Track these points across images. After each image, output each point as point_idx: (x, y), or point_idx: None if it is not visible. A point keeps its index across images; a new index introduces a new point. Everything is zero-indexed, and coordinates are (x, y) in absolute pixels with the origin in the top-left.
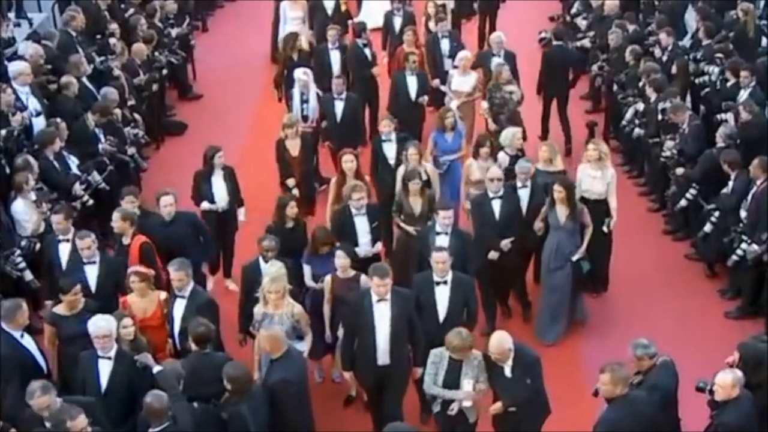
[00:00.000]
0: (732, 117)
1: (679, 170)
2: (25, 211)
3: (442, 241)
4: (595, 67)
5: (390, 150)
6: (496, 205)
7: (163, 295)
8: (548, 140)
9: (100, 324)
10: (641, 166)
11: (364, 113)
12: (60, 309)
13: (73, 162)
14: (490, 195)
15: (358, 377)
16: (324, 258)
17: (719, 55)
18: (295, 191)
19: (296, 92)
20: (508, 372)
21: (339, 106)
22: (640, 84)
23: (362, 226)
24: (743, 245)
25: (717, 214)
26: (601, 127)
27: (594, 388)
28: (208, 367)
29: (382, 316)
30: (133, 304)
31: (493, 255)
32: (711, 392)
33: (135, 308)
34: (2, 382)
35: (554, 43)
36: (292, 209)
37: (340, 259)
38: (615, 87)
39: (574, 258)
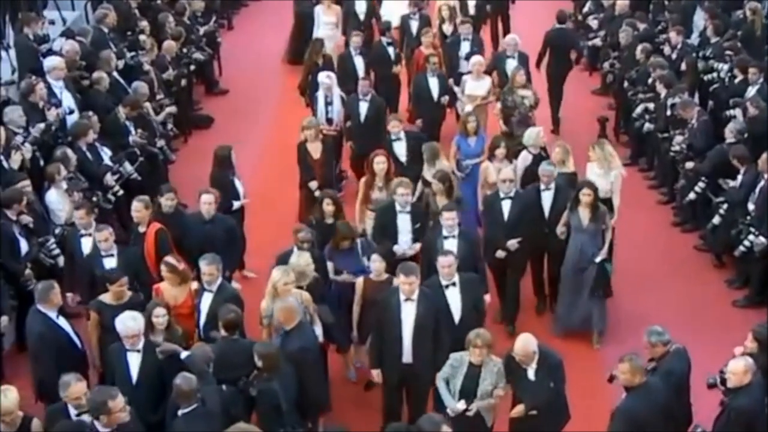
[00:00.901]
0: (740, 113)
1: (689, 164)
2: (58, 201)
3: (450, 244)
4: (606, 65)
5: (400, 148)
6: (506, 206)
7: (194, 284)
8: (560, 140)
9: (128, 324)
10: (651, 160)
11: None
12: (106, 297)
13: (106, 153)
14: (501, 195)
15: (384, 375)
16: (345, 253)
17: (729, 52)
18: (318, 194)
19: (320, 95)
20: (531, 375)
21: (363, 107)
22: (650, 80)
23: (404, 224)
24: (750, 237)
25: (725, 206)
26: (612, 122)
27: (609, 374)
28: (237, 352)
29: (408, 314)
30: (165, 291)
31: (500, 254)
32: (723, 382)
33: (167, 295)
34: (40, 359)
35: (556, 25)
36: (328, 206)
37: (376, 263)
38: (626, 84)
39: (597, 259)
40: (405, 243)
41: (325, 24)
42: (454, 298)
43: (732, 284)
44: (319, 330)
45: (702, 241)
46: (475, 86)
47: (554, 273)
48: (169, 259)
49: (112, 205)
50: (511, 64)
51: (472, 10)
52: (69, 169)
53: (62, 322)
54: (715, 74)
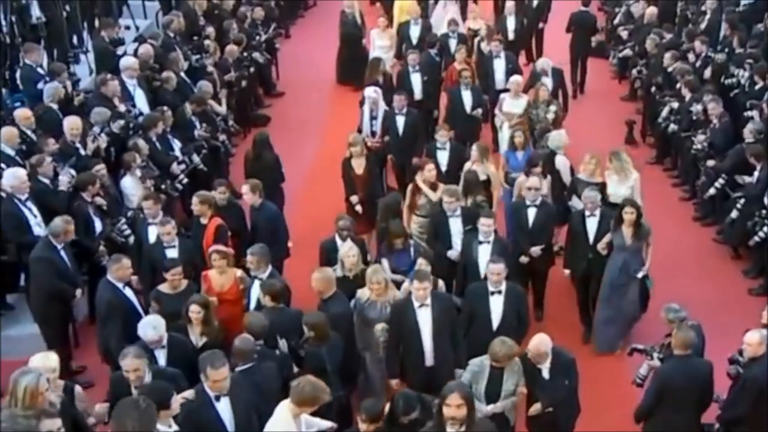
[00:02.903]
0: (757, 114)
1: (710, 162)
2: (132, 186)
3: (485, 250)
4: (634, 71)
5: (443, 157)
6: (531, 213)
7: (239, 272)
8: (593, 154)
9: (149, 333)
10: (675, 160)
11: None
12: (164, 287)
13: (177, 145)
14: (527, 203)
15: (408, 382)
16: (398, 253)
17: (749, 60)
18: (358, 208)
19: (366, 109)
20: (546, 374)
21: (400, 121)
22: (677, 86)
23: (456, 227)
24: (765, 229)
25: (742, 201)
26: (640, 125)
27: (630, 348)
28: (283, 320)
29: (425, 319)
30: (213, 279)
31: (523, 259)
32: (741, 364)
33: (214, 283)
34: (107, 324)
35: (581, 8)
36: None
37: (422, 266)
38: (653, 88)
39: (639, 275)
40: (458, 245)
41: (380, 47)
42: (497, 305)
43: (748, 274)
44: None
45: (719, 235)
46: (513, 104)
47: (594, 295)
48: (219, 246)
49: (178, 193)
50: (546, 81)
51: (511, 35)
52: (142, 157)
53: (128, 292)
54: (734, 79)
